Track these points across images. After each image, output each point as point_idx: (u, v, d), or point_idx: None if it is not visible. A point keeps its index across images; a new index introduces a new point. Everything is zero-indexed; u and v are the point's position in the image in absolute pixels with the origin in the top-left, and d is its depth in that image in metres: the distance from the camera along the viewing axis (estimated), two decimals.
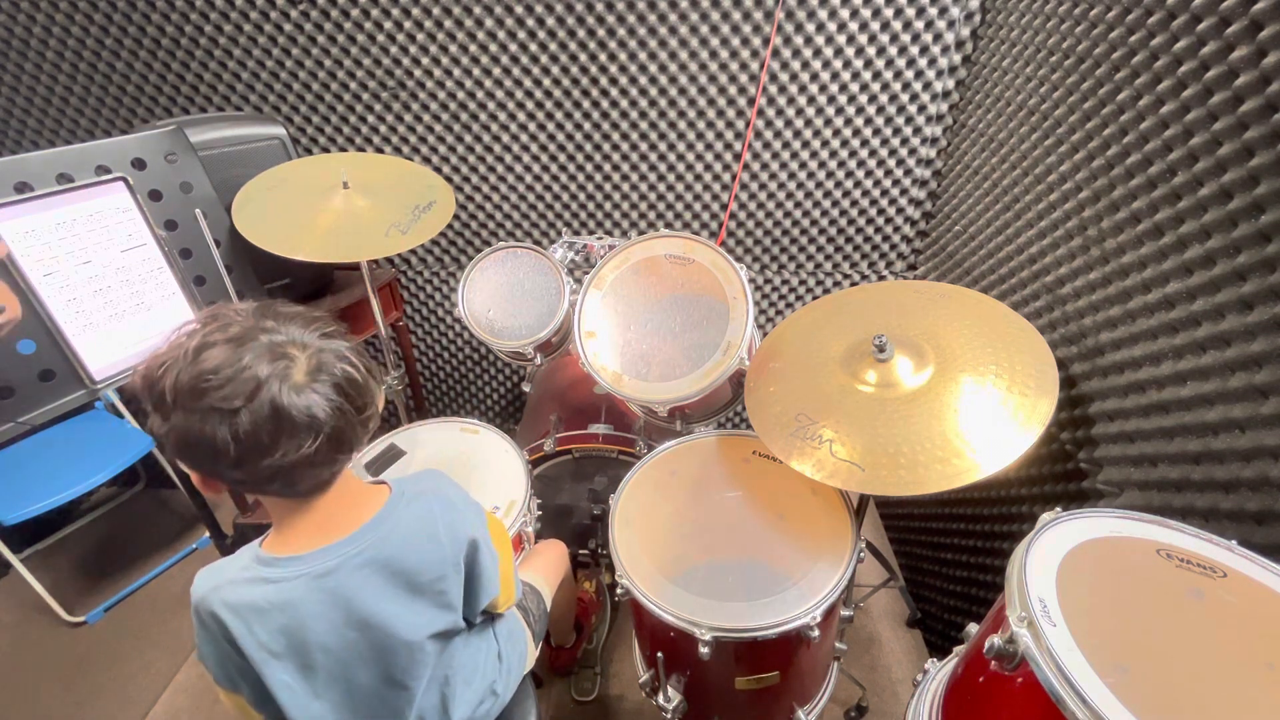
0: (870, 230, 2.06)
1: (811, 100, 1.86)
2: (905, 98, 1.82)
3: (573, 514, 1.76)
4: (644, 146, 1.99)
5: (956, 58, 1.75)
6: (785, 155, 1.95)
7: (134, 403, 2.31)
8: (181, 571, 2.17)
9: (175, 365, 0.66)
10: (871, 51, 1.77)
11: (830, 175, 1.97)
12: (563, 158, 2.05)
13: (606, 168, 2.05)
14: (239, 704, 0.81)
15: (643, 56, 1.85)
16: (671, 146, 1.98)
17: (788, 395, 1.20)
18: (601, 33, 1.83)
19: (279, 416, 0.66)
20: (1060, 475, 1.26)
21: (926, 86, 1.80)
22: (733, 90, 1.87)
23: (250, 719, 0.83)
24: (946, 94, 1.81)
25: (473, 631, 0.95)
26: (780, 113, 1.89)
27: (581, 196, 2.12)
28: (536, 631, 1.16)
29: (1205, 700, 0.62)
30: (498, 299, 1.64)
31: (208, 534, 1.61)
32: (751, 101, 1.88)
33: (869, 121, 1.87)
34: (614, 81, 1.90)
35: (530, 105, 1.97)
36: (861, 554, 1.15)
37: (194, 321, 0.71)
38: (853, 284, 2.15)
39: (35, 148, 2.15)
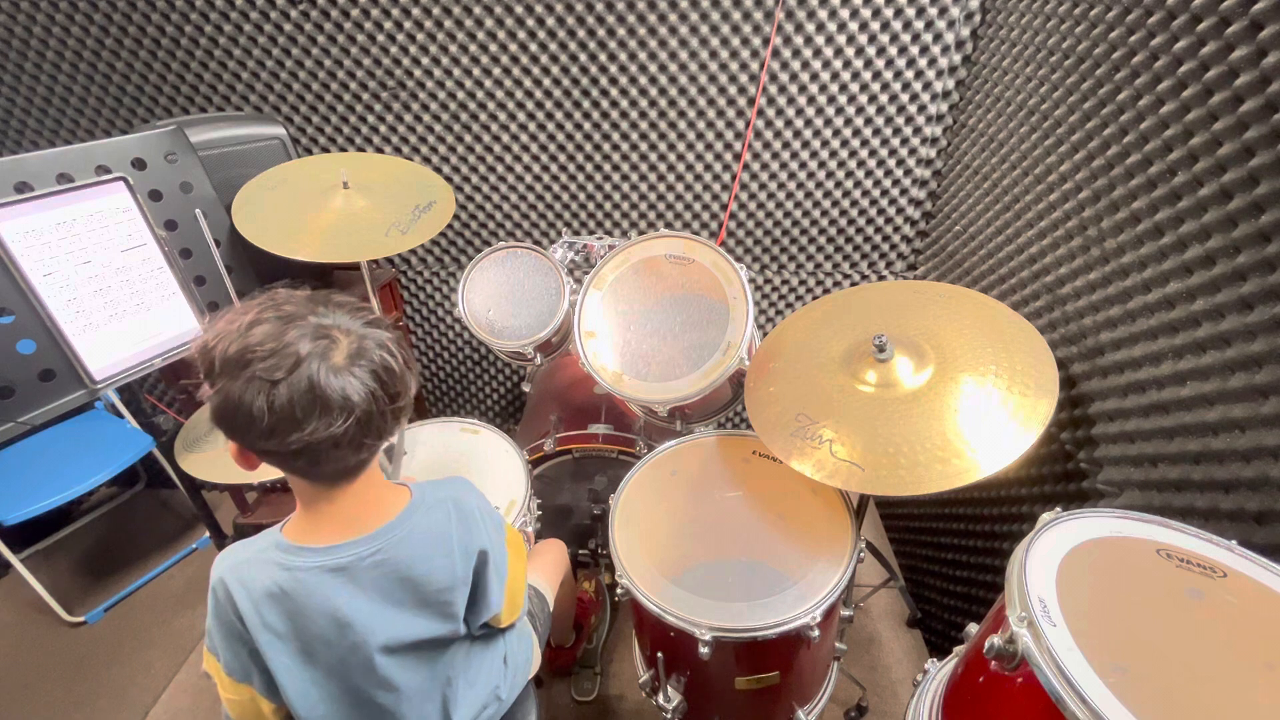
0: (870, 230, 2.06)
1: (811, 100, 1.86)
2: (905, 98, 1.82)
3: (573, 514, 1.76)
4: (644, 146, 1.99)
5: (956, 58, 1.75)
6: (785, 155, 1.95)
7: (134, 403, 2.31)
8: (181, 571, 2.17)
9: (228, 337, 0.70)
10: (871, 51, 1.77)
11: (830, 175, 1.97)
12: (563, 158, 2.05)
13: (606, 168, 2.05)
14: (249, 697, 0.81)
15: (643, 56, 1.85)
16: (671, 146, 1.98)
17: (788, 395, 1.20)
18: (601, 33, 1.83)
19: (314, 393, 0.69)
20: (1060, 475, 1.26)
21: (926, 86, 1.80)
22: (733, 90, 1.87)
23: (260, 715, 0.83)
24: (946, 94, 1.81)
25: (479, 634, 0.95)
26: (780, 113, 1.89)
27: (581, 196, 2.12)
28: (541, 634, 1.16)
29: (1205, 700, 0.62)
30: (498, 299, 1.64)
31: (208, 534, 1.61)
32: (751, 101, 1.88)
33: (869, 121, 1.87)
34: (614, 81, 1.90)
35: (530, 105, 1.97)
36: (861, 554, 1.15)
37: (252, 301, 0.75)
38: (853, 284, 2.15)
39: (35, 148, 2.15)
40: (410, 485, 0.89)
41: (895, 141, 1.89)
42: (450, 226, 2.22)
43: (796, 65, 1.81)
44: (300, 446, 0.71)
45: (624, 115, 1.95)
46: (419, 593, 0.82)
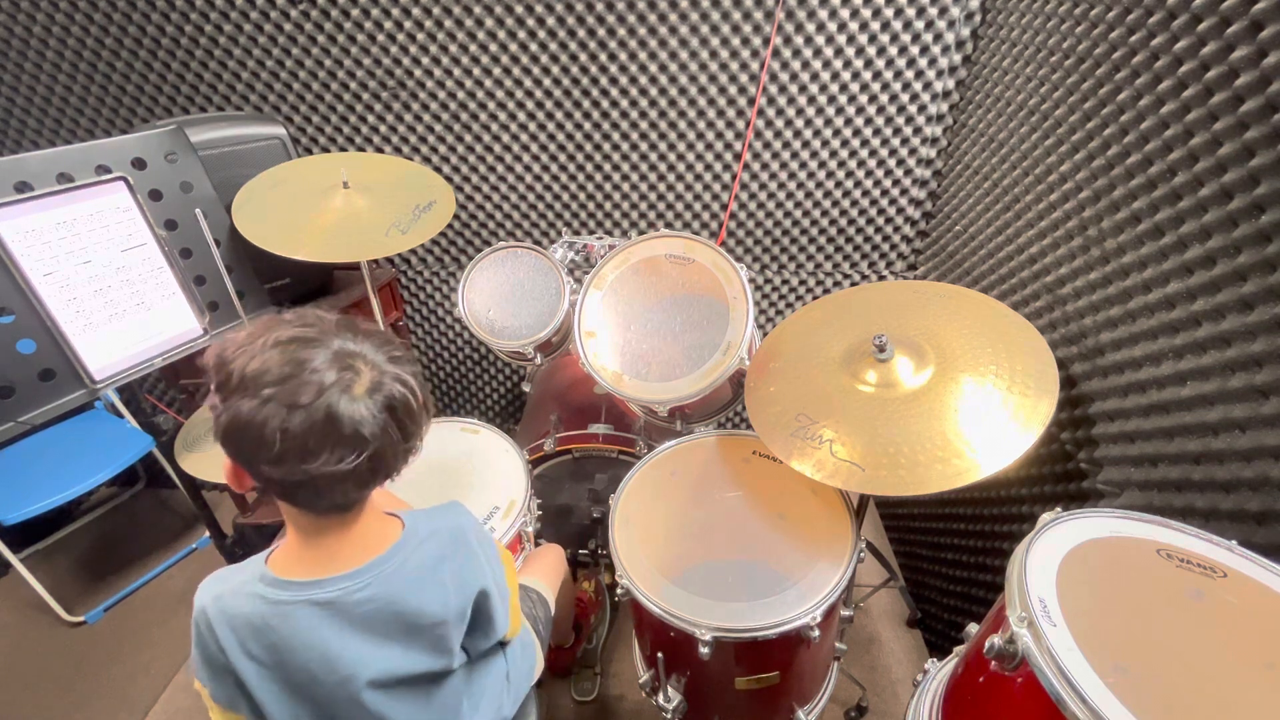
0: (870, 230, 2.05)
1: (811, 100, 1.86)
2: (905, 98, 1.82)
3: (573, 514, 1.76)
4: (644, 146, 1.99)
5: (956, 58, 1.75)
6: (785, 155, 1.95)
7: (134, 403, 2.31)
8: (181, 571, 2.17)
9: (250, 352, 0.68)
10: (871, 51, 1.77)
11: (830, 175, 1.97)
12: (563, 158, 2.05)
13: (606, 168, 2.05)
14: None
15: (643, 56, 1.85)
16: (671, 146, 1.98)
17: (788, 395, 1.20)
18: (601, 33, 1.83)
19: (330, 424, 0.67)
20: (1060, 475, 1.26)
21: (926, 86, 1.80)
22: (733, 90, 1.87)
23: None
24: (946, 94, 1.81)
25: (483, 654, 0.93)
26: (780, 113, 1.89)
27: (581, 196, 2.12)
28: (544, 638, 1.15)
29: (1205, 700, 0.62)
30: (498, 299, 1.64)
31: (208, 534, 1.61)
32: (751, 101, 1.88)
33: (869, 121, 1.87)
34: (614, 81, 1.90)
35: (530, 105, 1.97)
36: (861, 554, 1.15)
37: (276, 317, 0.73)
38: (853, 284, 2.15)
39: (35, 148, 2.14)
40: (403, 515, 0.87)
41: (895, 141, 1.89)
42: (450, 226, 2.22)
43: (796, 65, 1.81)
44: (305, 478, 0.69)
45: (624, 115, 1.95)
46: (410, 626, 0.79)
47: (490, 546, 0.93)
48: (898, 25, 1.72)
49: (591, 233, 2.17)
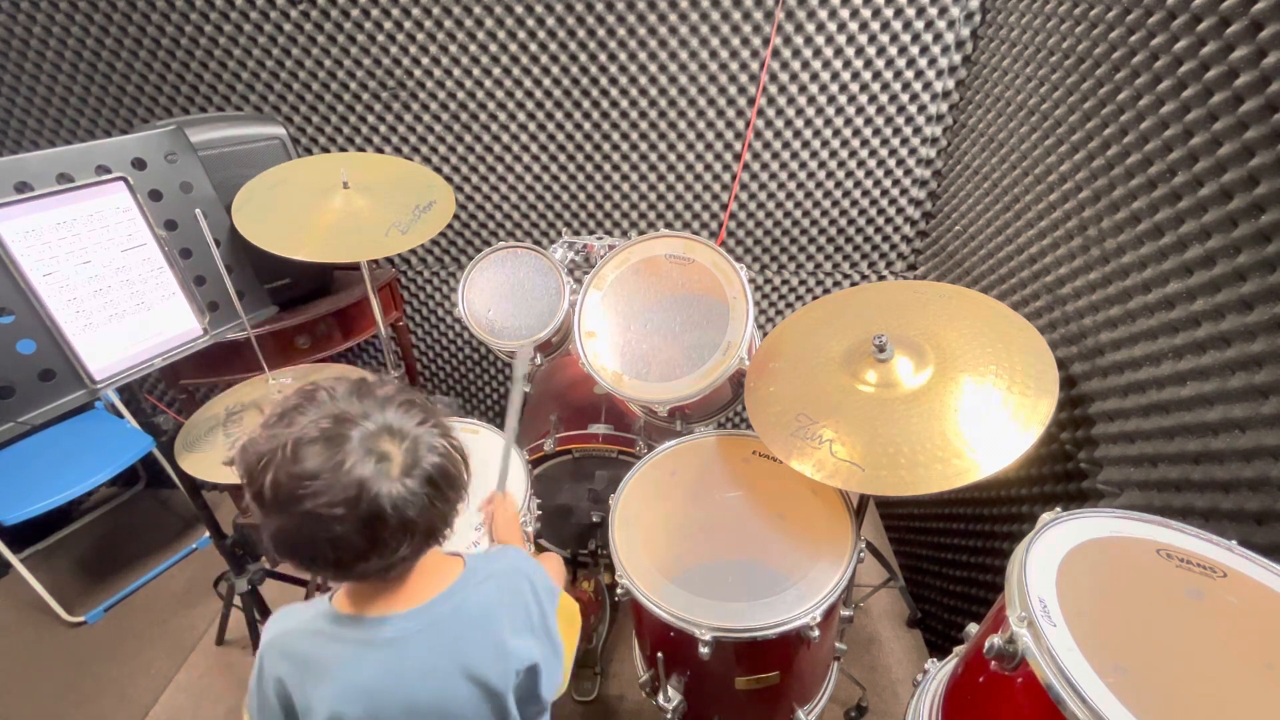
0: (870, 230, 2.06)
1: (811, 100, 1.86)
2: (905, 98, 1.82)
3: (573, 514, 1.76)
4: (644, 146, 1.99)
5: (956, 58, 1.75)
6: (785, 155, 1.95)
7: (134, 403, 2.31)
8: (181, 571, 2.17)
9: (274, 462, 0.65)
10: (871, 51, 1.77)
11: (830, 175, 1.97)
12: (563, 158, 2.05)
13: (606, 168, 2.05)
14: None
15: (643, 56, 1.85)
16: (671, 146, 1.98)
17: (788, 395, 1.20)
18: (601, 33, 1.83)
19: (378, 521, 0.66)
20: (1060, 475, 1.26)
21: (926, 86, 1.80)
22: (733, 90, 1.87)
23: None
24: (946, 94, 1.81)
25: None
26: (780, 113, 1.89)
27: (581, 196, 2.12)
28: None
29: (1205, 700, 0.62)
30: (498, 299, 1.64)
31: (208, 534, 1.61)
32: (751, 101, 1.88)
33: (869, 121, 1.87)
34: (614, 81, 1.90)
35: (530, 105, 1.97)
36: (861, 554, 1.15)
37: (290, 404, 0.69)
38: (853, 284, 2.15)
39: (35, 148, 2.14)
40: (465, 556, 0.86)
41: (895, 141, 1.89)
42: (450, 226, 2.22)
43: (796, 65, 1.81)
44: (366, 570, 0.70)
45: (624, 115, 1.95)
46: (468, 672, 0.76)
47: (552, 598, 0.90)
48: (898, 25, 1.72)
49: (591, 233, 2.17)
